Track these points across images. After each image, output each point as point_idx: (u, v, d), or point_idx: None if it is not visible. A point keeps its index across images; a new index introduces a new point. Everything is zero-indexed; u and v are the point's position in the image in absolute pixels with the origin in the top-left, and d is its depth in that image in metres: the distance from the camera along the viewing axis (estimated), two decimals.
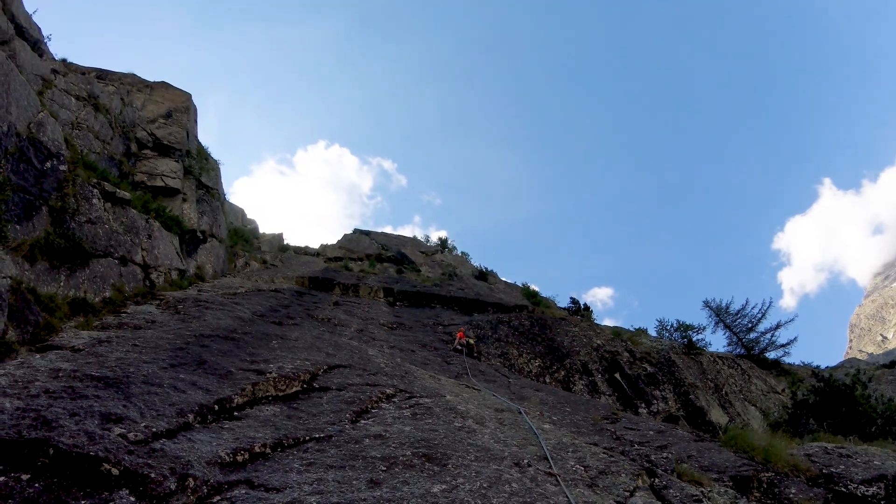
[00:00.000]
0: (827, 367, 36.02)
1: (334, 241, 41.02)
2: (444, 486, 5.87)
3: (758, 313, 34.93)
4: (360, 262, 34.99)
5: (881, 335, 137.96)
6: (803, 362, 35.58)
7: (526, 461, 7.14)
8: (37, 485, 4.98)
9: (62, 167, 14.32)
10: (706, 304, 36.12)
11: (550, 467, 7.10)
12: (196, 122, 27.98)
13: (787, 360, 33.90)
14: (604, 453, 8.35)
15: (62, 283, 12.60)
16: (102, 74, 24.83)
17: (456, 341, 18.71)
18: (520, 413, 10.32)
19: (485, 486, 5.97)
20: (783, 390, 28.10)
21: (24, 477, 5.05)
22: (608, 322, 30.83)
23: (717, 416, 21.67)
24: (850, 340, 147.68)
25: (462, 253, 45.71)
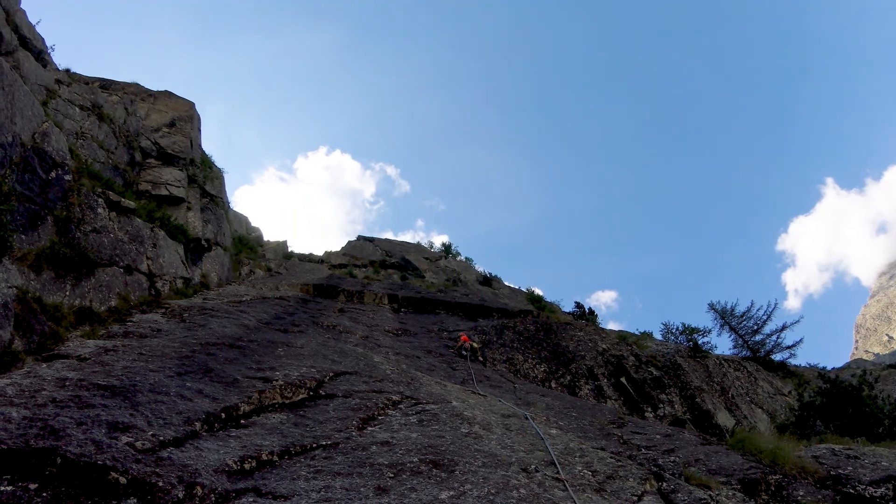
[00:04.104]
0: (833, 368, 35.86)
1: (338, 248, 41.03)
2: (451, 493, 5.86)
3: (763, 315, 34.75)
4: (364, 269, 35.00)
5: (887, 335, 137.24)
6: (809, 364, 35.39)
7: (533, 467, 7.13)
8: (45, 494, 4.98)
9: (67, 177, 14.38)
10: (711, 306, 35.98)
11: (558, 472, 7.09)
12: (200, 130, 28.08)
13: (792, 361, 33.68)
14: (611, 458, 8.32)
15: (68, 293, 12.63)
16: (106, 84, 24.95)
17: (460, 346, 18.68)
18: (526, 419, 10.29)
19: (492, 492, 5.96)
20: (790, 392, 27.95)
21: (32, 486, 5.06)
22: (613, 326, 30.82)
23: (724, 419, 21.59)
24: (857, 341, 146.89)
25: (466, 258, 45.64)
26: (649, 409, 19.89)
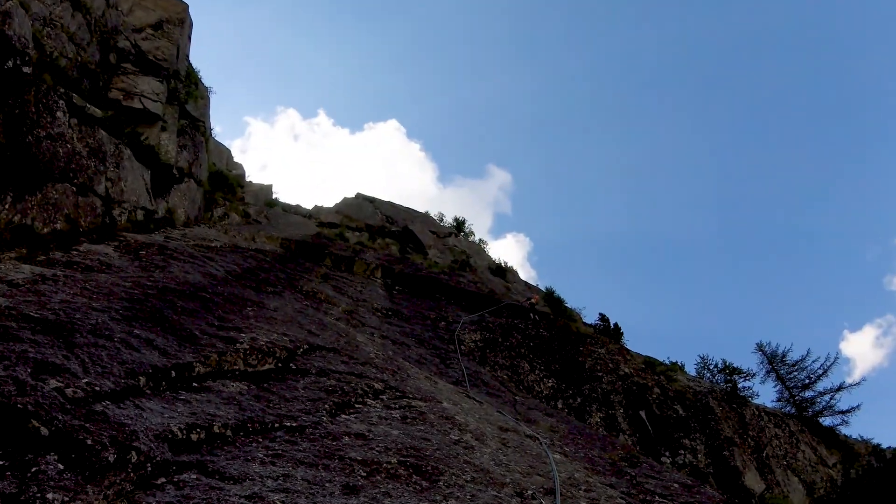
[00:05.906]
0: (890, 447, 35.72)
1: (331, 204, 41.06)
2: None
3: (819, 368, 34.54)
4: (358, 233, 34.98)
5: None
6: (862, 436, 35.23)
7: (530, 493, 7.09)
8: None
9: (26, 69, 14.27)
10: (759, 347, 35.91)
11: None
12: (190, 38, 27.94)
13: (844, 430, 33.44)
14: (621, 498, 8.30)
15: (7, 207, 12.59)
16: None
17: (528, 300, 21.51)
18: (528, 437, 10.27)
19: None
20: (834, 465, 27.91)
21: None
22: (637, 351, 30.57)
23: (753, 481, 21.62)
24: None
25: (479, 241, 45.62)
26: (667, 454, 19.94)
